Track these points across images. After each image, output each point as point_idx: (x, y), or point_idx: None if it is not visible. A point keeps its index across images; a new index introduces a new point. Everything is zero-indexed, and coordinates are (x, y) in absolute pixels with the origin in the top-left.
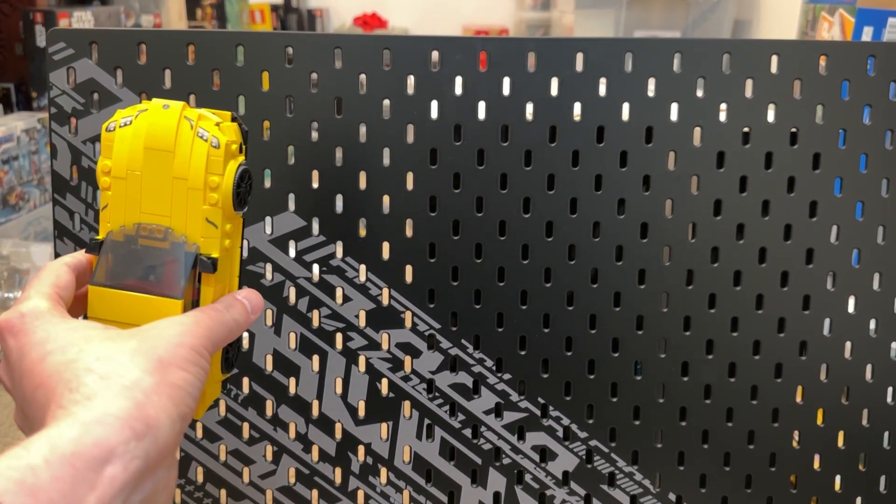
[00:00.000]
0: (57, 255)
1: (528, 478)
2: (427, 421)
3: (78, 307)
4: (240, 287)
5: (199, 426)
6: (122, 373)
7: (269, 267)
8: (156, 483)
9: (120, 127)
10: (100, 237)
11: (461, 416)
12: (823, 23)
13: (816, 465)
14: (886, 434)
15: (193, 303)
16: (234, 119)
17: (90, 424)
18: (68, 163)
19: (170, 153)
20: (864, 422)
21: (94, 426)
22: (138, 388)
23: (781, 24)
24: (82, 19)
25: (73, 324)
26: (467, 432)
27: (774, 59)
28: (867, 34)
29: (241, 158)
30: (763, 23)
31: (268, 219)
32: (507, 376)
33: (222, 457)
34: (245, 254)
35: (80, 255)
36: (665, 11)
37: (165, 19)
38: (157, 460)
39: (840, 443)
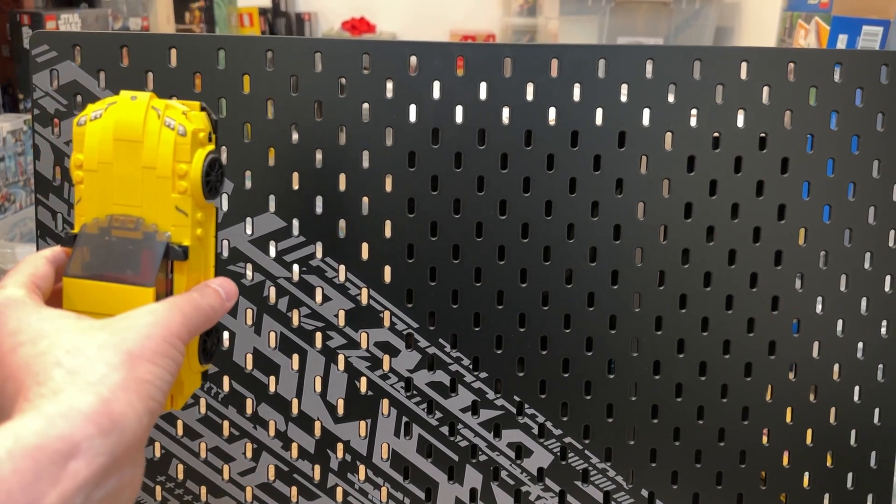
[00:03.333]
0: None
1: (503, 474)
2: (405, 419)
3: (56, 301)
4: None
5: (179, 424)
6: (90, 368)
7: (249, 267)
8: (120, 479)
9: (91, 120)
10: (75, 230)
11: (438, 414)
12: (800, 30)
13: (785, 461)
14: (854, 432)
15: (167, 292)
16: (202, 108)
17: (54, 418)
18: (51, 163)
19: (138, 143)
20: (832, 420)
21: (59, 420)
22: (104, 384)
23: (761, 32)
24: (69, 21)
25: (45, 313)
26: (444, 430)
27: (744, 65)
28: (842, 42)
29: (211, 147)
30: (744, 30)
31: (248, 219)
32: (483, 375)
33: (202, 454)
34: (225, 253)
35: (58, 249)
36: (648, 18)
37: (153, 22)
38: (122, 457)
39: (808, 440)
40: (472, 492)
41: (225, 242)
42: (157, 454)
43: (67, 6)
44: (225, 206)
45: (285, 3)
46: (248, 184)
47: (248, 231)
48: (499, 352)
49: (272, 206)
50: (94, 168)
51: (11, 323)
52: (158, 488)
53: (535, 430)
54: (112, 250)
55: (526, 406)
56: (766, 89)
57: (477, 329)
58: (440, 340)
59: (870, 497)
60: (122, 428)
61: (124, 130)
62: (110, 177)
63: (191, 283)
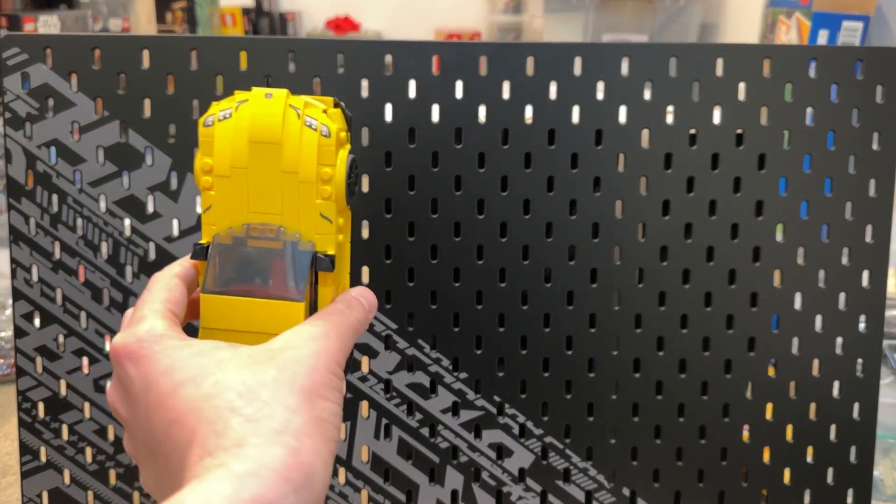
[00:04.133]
0: (13, 260)
1: (485, 475)
2: (385, 421)
3: (188, 314)
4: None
5: None
6: (270, 413)
7: None
8: None
9: (219, 121)
10: (204, 241)
11: (419, 416)
12: (782, 26)
13: (766, 458)
14: (833, 427)
15: (313, 306)
16: (336, 104)
17: (245, 478)
18: (23, 167)
19: (277, 145)
20: (812, 415)
21: (250, 480)
22: (289, 432)
23: (745, 28)
24: (48, 23)
25: (197, 347)
26: (425, 431)
27: (720, 62)
28: (823, 37)
29: (349, 146)
30: (728, 26)
31: None
32: (463, 375)
33: None
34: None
35: (187, 263)
36: (632, 15)
37: (134, 23)
38: None
39: (789, 436)
40: (454, 493)
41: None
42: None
43: (46, 8)
44: (199, 209)
45: (269, 2)
46: None
47: None
48: (478, 352)
49: None
50: (227, 173)
51: (163, 360)
52: (136, 494)
53: (516, 431)
54: (251, 262)
55: (506, 406)
56: (742, 86)
57: (456, 329)
58: (419, 341)
59: (850, 492)
60: (312, 479)
61: (262, 132)
62: (245, 182)
63: (333, 294)
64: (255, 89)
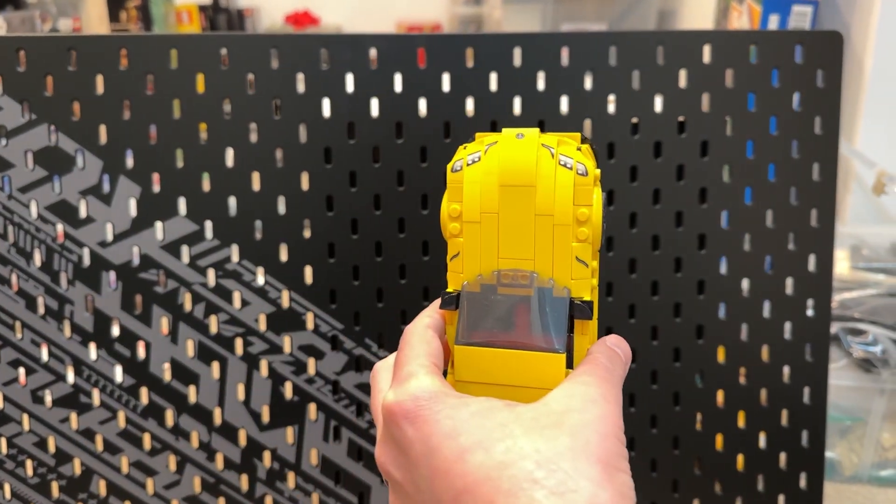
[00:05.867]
0: None
1: None
2: (334, 423)
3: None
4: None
5: (98, 439)
6: (575, 486)
7: (161, 274)
8: None
9: (468, 165)
10: (450, 289)
11: (368, 416)
12: (734, 12)
13: (719, 445)
14: (785, 412)
15: (570, 358)
16: (584, 140)
17: None
18: None
19: (531, 188)
20: (763, 401)
21: None
22: None
23: (701, 15)
24: None
25: (474, 407)
26: (375, 432)
27: (660, 49)
28: (774, 22)
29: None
30: (686, 13)
31: (158, 224)
32: None
33: (124, 469)
34: (136, 261)
35: (435, 313)
36: (592, 4)
37: (85, 23)
38: None
39: (741, 423)
40: None
41: (135, 249)
42: (78, 471)
43: None
44: (133, 212)
45: None
46: (157, 187)
47: (159, 236)
48: None
49: (183, 209)
50: (476, 219)
51: (445, 422)
52: None
53: None
54: (504, 311)
55: None
56: (682, 72)
57: (404, 327)
58: (366, 340)
59: (803, 476)
60: None
61: (514, 175)
62: (496, 227)
63: (589, 344)
64: (505, 130)
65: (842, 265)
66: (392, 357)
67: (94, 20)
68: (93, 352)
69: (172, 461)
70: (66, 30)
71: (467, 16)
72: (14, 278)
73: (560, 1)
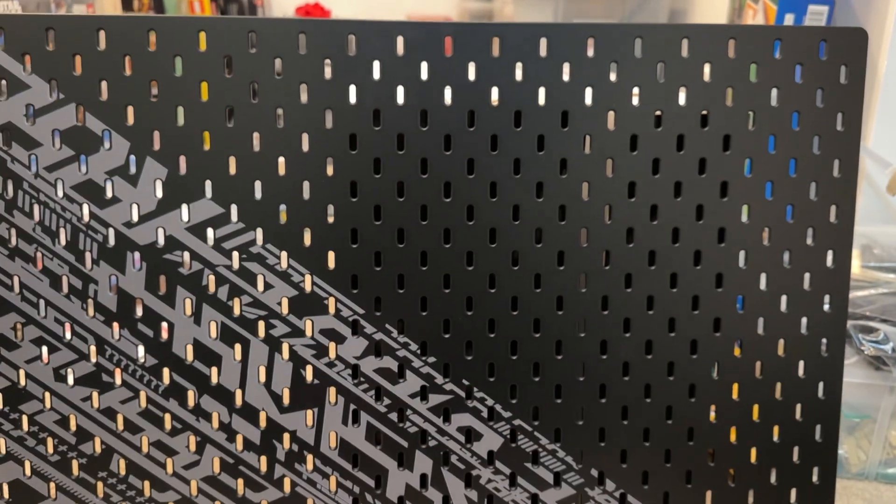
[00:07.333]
0: None
1: (454, 459)
2: (353, 406)
3: None
4: None
5: (119, 418)
6: None
7: (186, 255)
8: None
9: None
10: None
11: (387, 401)
12: (749, 10)
13: (733, 437)
14: (799, 406)
15: None
16: None
17: None
18: None
19: None
20: (778, 395)
21: None
22: None
23: (713, 14)
24: (9, 8)
25: None
26: (393, 416)
27: (685, 43)
28: (789, 21)
29: None
30: (697, 12)
31: (184, 206)
32: (431, 360)
33: (144, 448)
34: (161, 242)
35: None
36: (603, 2)
37: (99, 9)
38: None
39: (755, 416)
40: (423, 477)
41: (160, 230)
42: (98, 450)
43: None
44: (160, 193)
45: None
46: (183, 169)
47: (185, 218)
48: (446, 336)
49: (209, 192)
50: None
51: None
52: (100, 484)
53: (485, 414)
54: None
55: (475, 390)
56: (707, 66)
57: (424, 314)
58: (387, 326)
59: (815, 470)
60: None
61: None
62: None
63: None
64: None
65: (853, 264)
66: None
67: (108, 8)
68: (116, 331)
69: (192, 441)
70: None
71: (477, 11)
72: (39, 256)
73: None
